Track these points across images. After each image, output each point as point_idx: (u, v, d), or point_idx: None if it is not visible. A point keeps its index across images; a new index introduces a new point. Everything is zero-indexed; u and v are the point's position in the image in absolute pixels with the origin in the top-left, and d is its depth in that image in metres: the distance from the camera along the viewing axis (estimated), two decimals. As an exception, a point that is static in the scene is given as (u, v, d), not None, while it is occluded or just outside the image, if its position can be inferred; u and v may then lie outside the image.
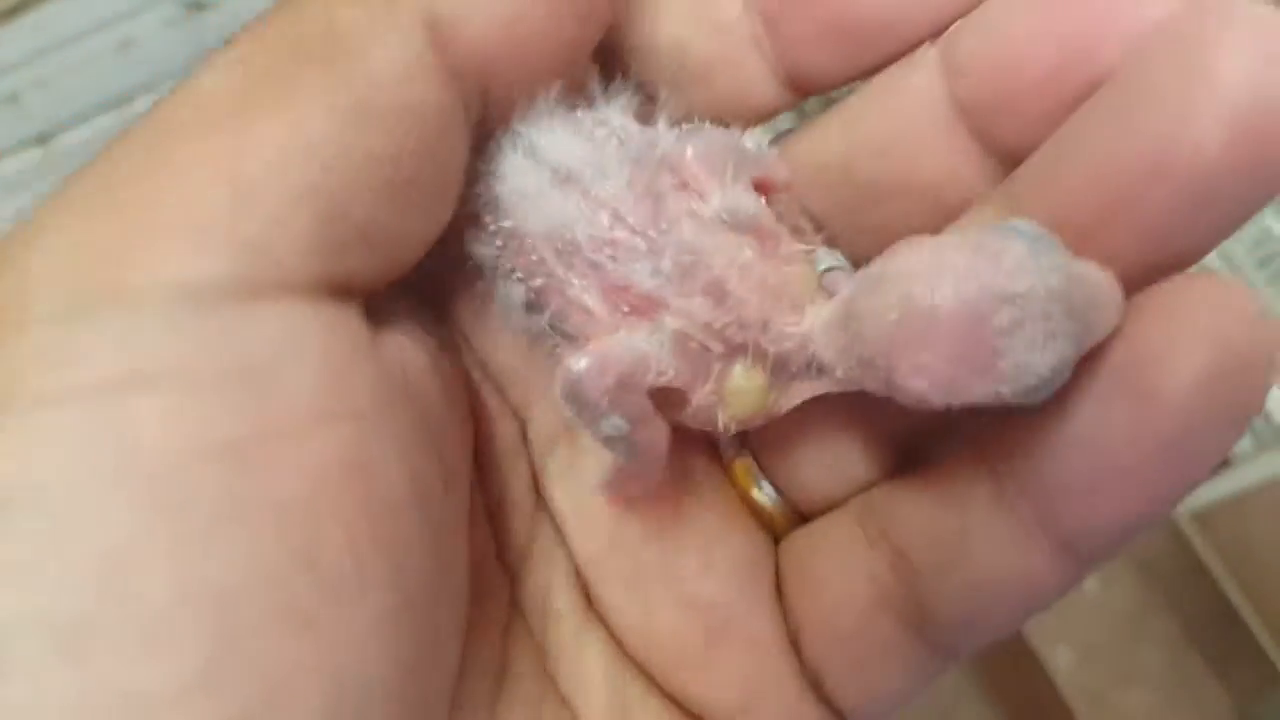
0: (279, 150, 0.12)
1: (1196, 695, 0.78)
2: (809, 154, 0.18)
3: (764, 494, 0.18)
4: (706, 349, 0.15)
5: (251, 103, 0.12)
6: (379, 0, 0.13)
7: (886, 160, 0.17)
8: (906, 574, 0.15)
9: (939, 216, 0.16)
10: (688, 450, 0.17)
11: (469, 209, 0.16)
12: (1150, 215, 0.13)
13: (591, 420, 0.15)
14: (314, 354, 0.12)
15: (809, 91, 0.17)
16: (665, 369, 0.15)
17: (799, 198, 0.18)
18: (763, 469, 0.18)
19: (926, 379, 0.13)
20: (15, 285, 0.11)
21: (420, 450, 0.13)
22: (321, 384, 0.12)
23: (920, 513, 0.15)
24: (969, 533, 0.14)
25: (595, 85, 0.17)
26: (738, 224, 0.16)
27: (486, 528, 0.17)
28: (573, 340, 0.16)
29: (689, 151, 0.16)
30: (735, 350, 0.16)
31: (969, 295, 0.13)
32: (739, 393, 0.16)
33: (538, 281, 0.16)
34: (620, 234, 0.15)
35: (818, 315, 0.15)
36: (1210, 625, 0.76)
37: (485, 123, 0.15)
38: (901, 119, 0.16)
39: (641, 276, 0.15)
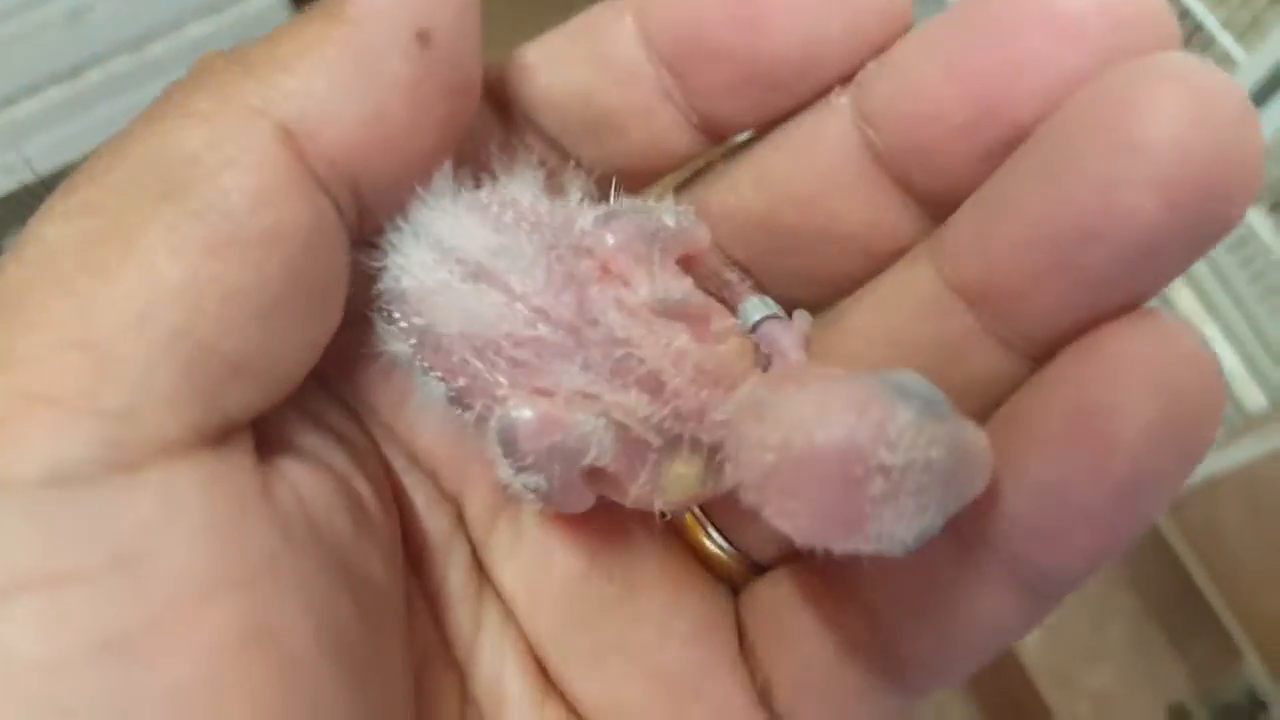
0: (134, 304, 0.11)
1: (1158, 673, 0.79)
2: (725, 205, 0.17)
3: (717, 544, 0.18)
4: (644, 441, 0.15)
5: (100, 255, 0.11)
6: (224, 117, 0.12)
7: (808, 212, 0.16)
8: (874, 625, 0.15)
9: (867, 262, 0.16)
10: (635, 513, 0.17)
11: (376, 304, 0.15)
12: (1086, 275, 0.13)
13: (515, 469, 0.15)
14: (195, 523, 0.11)
15: (723, 136, 0.17)
16: (603, 455, 0.14)
17: (721, 247, 0.17)
18: (715, 524, 0.18)
19: (792, 525, 0.13)
20: None
21: (328, 591, 0.13)
22: (206, 556, 0.11)
23: (883, 568, 0.15)
24: (935, 585, 0.14)
25: (496, 155, 0.15)
26: (668, 311, 0.15)
27: (430, 625, 0.16)
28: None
29: (610, 240, 0.15)
30: (673, 442, 0.15)
31: (847, 457, 0.12)
32: (676, 480, 0.15)
33: (460, 381, 0.15)
34: (543, 330, 0.14)
35: (736, 401, 0.15)
36: (1173, 604, 0.78)
37: (369, 216, 0.14)
38: (820, 170, 0.16)
39: (570, 374, 0.14)
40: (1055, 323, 0.14)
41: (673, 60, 0.16)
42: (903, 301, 0.16)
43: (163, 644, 0.10)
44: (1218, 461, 0.55)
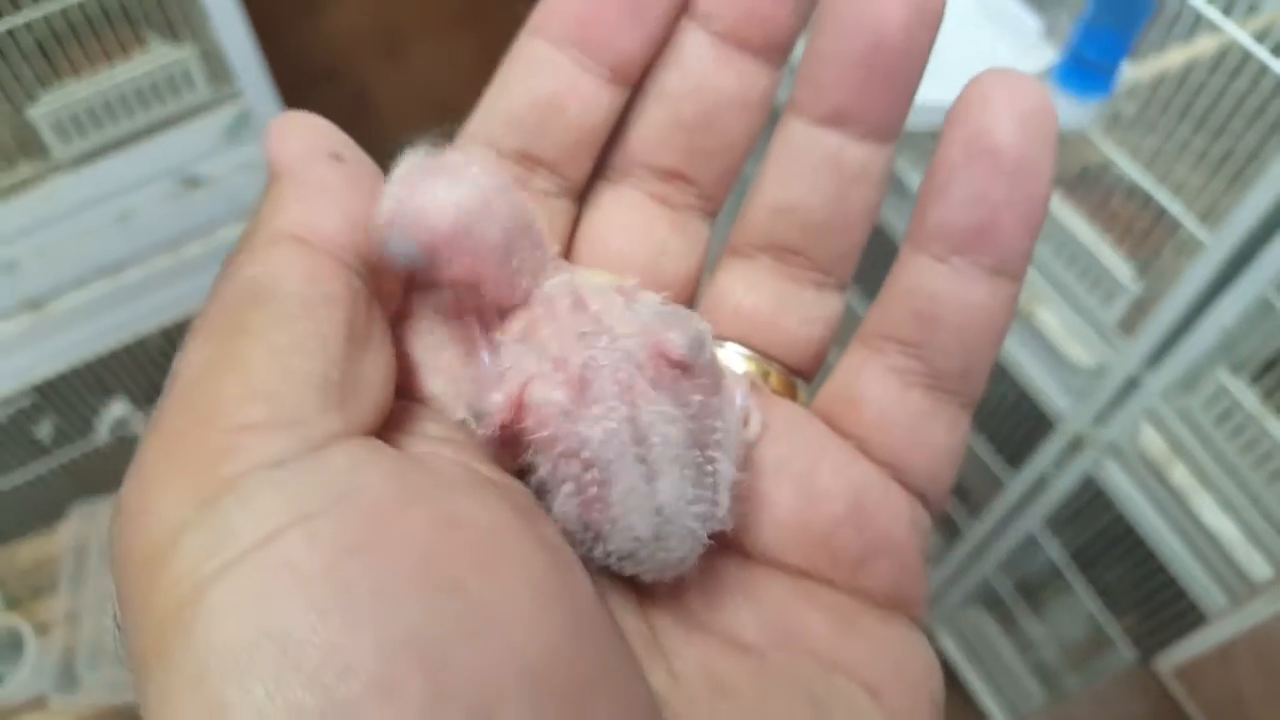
0: (271, 364, 0.15)
1: None
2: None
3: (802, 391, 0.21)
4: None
5: (228, 358, 0.15)
6: (264, 252, 0.16)
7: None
8: (914, 354, 0.19)
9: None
10: None
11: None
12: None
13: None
14: (376, 470, 0.15)
15: (635, 80, 0.19)
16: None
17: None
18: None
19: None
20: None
21: (497, 501, 0.16)
22: (392, 485, 0.15)
23: (899, 301, 0.19)
24: (937, 300, 0.18)
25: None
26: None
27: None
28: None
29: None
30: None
31: None
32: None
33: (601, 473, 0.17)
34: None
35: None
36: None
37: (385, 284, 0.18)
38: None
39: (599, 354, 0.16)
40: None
41: (579, 43, 0.18)
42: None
43: (385, 538, 0.14)
44: (1229, 627, 0.54)
